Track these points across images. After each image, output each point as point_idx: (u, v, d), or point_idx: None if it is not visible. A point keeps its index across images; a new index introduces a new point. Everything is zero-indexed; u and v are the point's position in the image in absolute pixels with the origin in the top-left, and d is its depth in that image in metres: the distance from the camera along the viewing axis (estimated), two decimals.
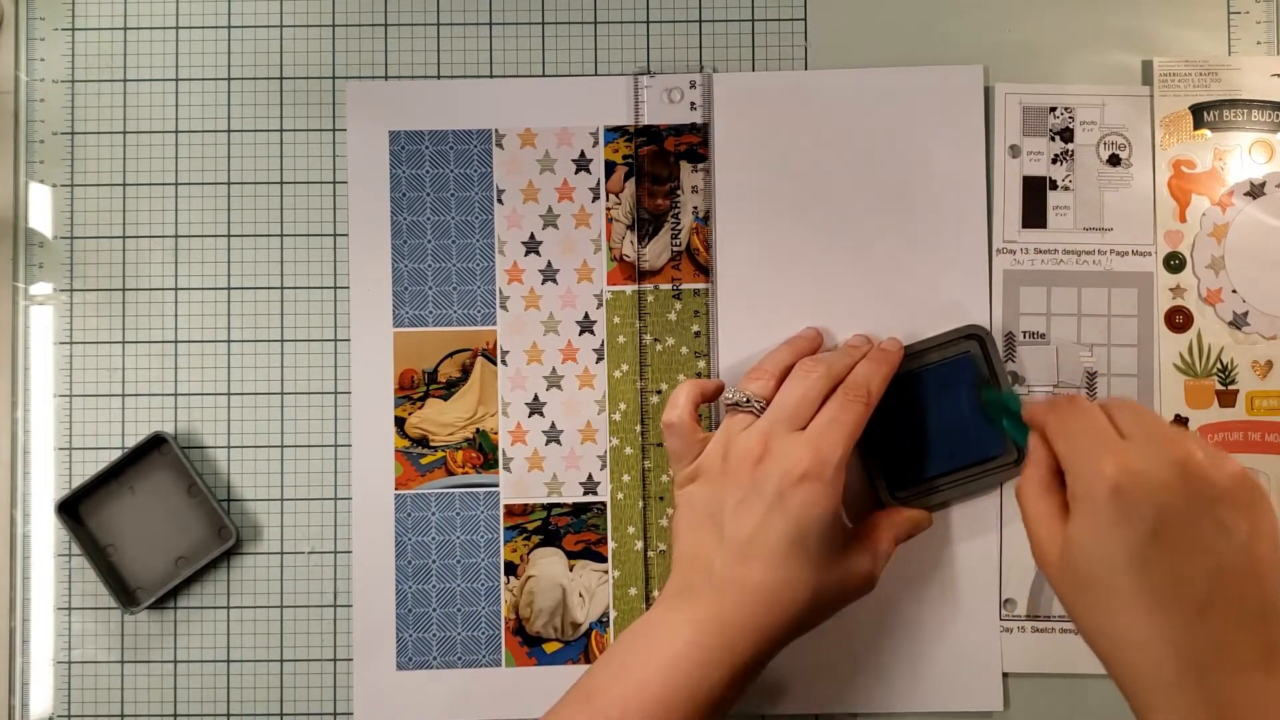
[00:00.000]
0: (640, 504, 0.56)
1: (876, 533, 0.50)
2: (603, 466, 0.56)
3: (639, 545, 0.56)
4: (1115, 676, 0.42)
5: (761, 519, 0.46)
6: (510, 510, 0.56)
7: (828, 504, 0.46)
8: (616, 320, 0.56)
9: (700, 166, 0.56)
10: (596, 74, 0.57)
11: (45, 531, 0.56)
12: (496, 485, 0.56)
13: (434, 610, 0.55)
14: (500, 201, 0.56)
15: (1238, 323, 0.55)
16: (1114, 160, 0.56)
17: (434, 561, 0.55)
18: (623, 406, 0.56)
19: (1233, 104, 0.55)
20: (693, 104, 0.56)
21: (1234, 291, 0.55)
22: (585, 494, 0.56)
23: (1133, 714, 0.41)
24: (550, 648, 0.55)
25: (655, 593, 0.55)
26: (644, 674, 0.44)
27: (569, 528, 0.56)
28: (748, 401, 0.49)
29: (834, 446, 0.47)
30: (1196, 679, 0.39)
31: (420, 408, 0.56)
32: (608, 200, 0.56)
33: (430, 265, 0.56)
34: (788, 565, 0.45)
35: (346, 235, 0.56)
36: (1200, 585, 0.40)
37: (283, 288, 0.56)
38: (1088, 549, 0.41)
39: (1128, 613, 0.40)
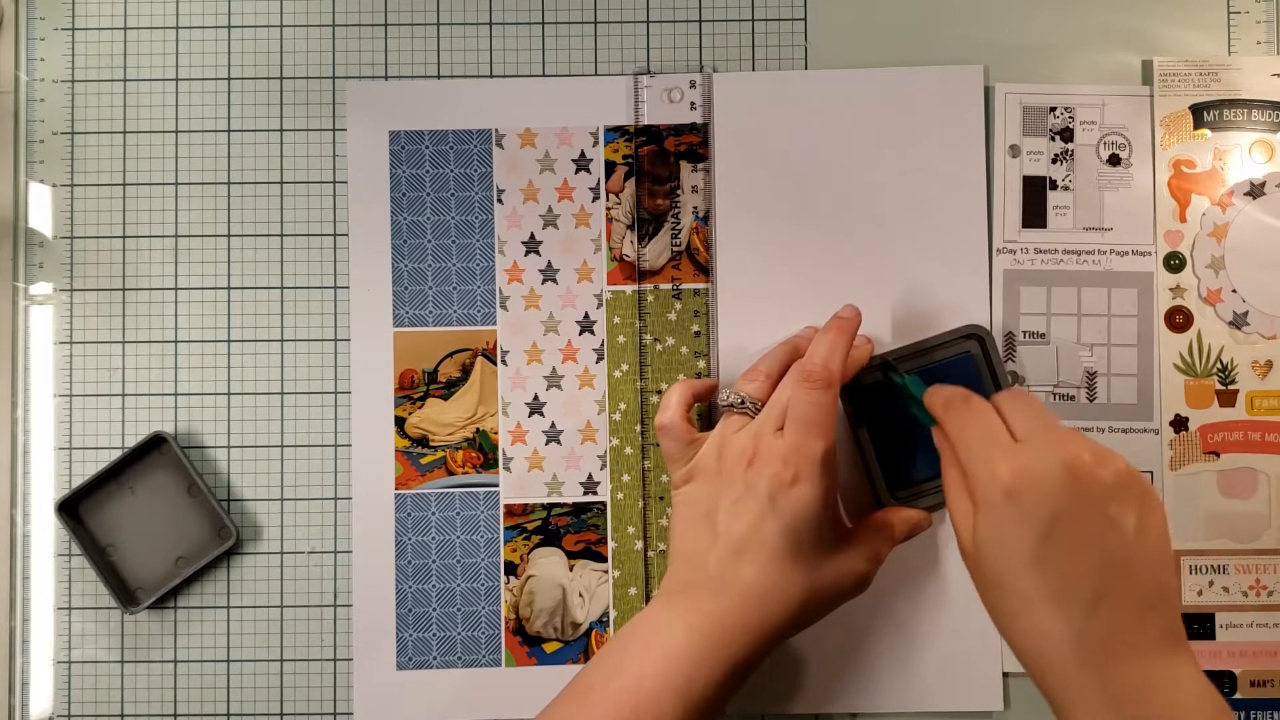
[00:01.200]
0: (640, 504, 0.56)
1: (874, 533, 0.50)
2: (603, 466, 0.56)
3: (639, 545, 0.56)
4: (1027, 668, 0.43)
5: (755, 520, 0.46)
6: (510, 510, 0.56)
7: (819, 503, 0.46)
8: (616, 320, 0.56)
9: (700, 166, 0.56)
10: (596, 74, 0.57)
11: (45, 531, 0.56)
12: (496, 485, 0.56)
13: (434, 610, 0.55)
14: (500, 201, 0.56)
15: (1238, 322, 0.55)
16: (1114, 160, 0.56)
17: (434, 561, 0.55)
18: (623, 406, 0.56)
19: (1233, 104, 0.55)
20: (693, 104, 0.56)
21: (1234, 291, 0.55)
22: (585, 494, 0.56)
23: (1048, 704, 0.43)
24: (550, 647, 0.55)
25: (655, 592, 0.55)
26: (640, 670, 0.44)
27: (569, 528, 0.56)
28: (742, 403, 0.49)
29: (812, 445, 0.47)
30: (1097, 666, 0.40)
31: (420, 408, 0.56)
32: (608, 200, 0.56)
33: (430, 265, 0.56)
34: (781, 566, 0.46)
35: (346, 235, 0.56)
36: (1093, 578, 0.41)
37: (283, 288, 0.56)
38: (990, 549, 0.42)
39: (1030, 608, 0.41)
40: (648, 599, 0.55)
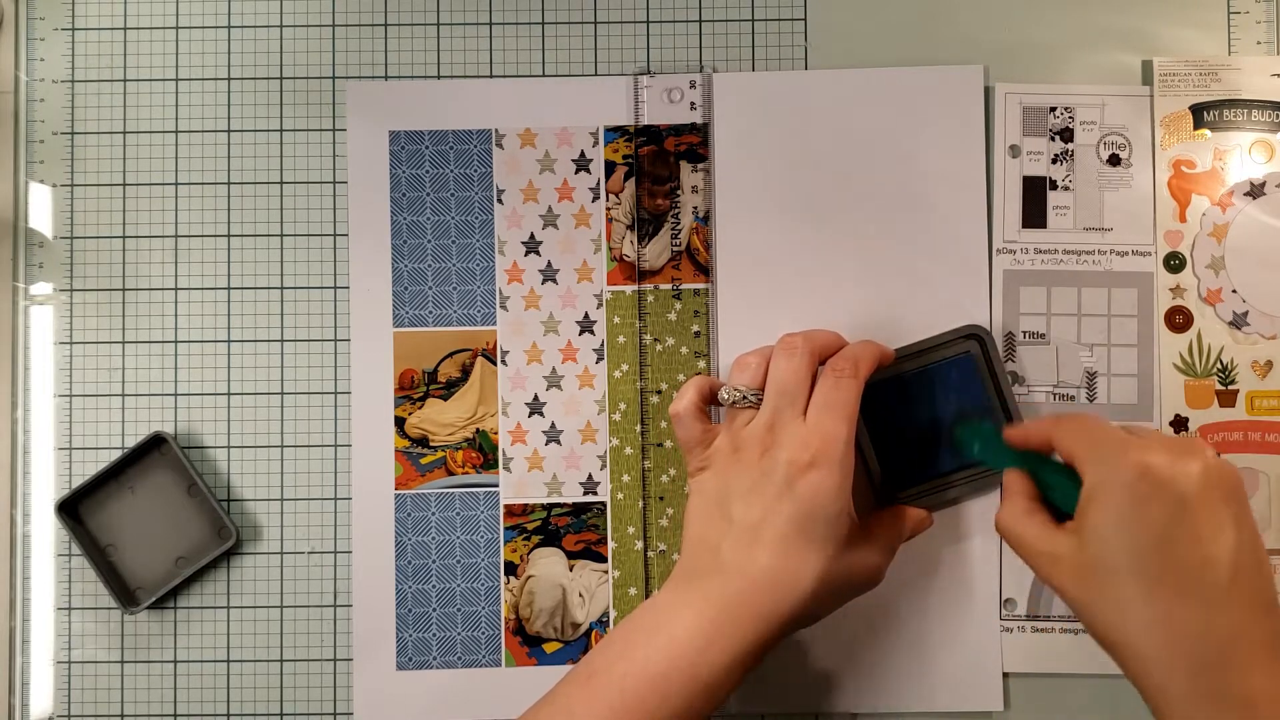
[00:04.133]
0: (640, 504, 0.56)
1: (885, 529, 0.50)
2: (603, 466, 0.56)
3: (639, 545, 0.56)
4: (1131, 671, 0.43)
5: (770, 505, 0.46)
6: (510, 510, 0.56)
7: (835, 490, 0.46)
8: (616, 320, 0.56)
9: (700, 166, 0.56)
10: (596, 74, 0.57)
11: (45, 531, 0.56)
12: (496, 485, 0.56)
13: (434, 610, 0.55)
14: (500, 201, 0.56)
15: (1238, 323, 0.55)
16: (1114, 160, 0.56)
17: (434, 561, 0.55)
18: (623, 406, 0.56)
19: (1233, 104, 0.55)
20: (693, 104, 0.56)
21: (1234, 291, 0.55)
22: (585, 494, 0.56)
23: (1150, 709, 0.43)
24: (550, 648, 0.55)
25: (657, 591, 0.55)
26: (646, 653, 0.44)
27: (569, 528, 0.56)
28: (743, 397, 0.49)
29: (835, 428, 0.47)
30: (1216, 668, 0.40)
31: (420, 408, 0.56)
32: (608, 200, 0.56)
33: (430, 265, 0.56)
34: (794, 551, 0.46)
35: (346, 235, 0.56)
36: (1221, 571, 0.41)
37: (283, 288, 0.56)
38: (1109, 538, 0.43)
39: (1149, 599, 0.42)
40: (648, 598, 0.55)
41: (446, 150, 0.56)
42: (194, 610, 0.56)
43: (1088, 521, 0.44)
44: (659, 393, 0.56)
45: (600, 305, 0.56)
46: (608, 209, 0.56)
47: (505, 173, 0.56)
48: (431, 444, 0.56)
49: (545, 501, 0.56)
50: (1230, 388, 0.55)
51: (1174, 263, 0.55)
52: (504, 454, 0.56)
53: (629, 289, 0.56)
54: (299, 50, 0.57)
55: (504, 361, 0.56)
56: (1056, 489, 0.48)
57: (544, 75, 0.57)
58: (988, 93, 0.56)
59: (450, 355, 0.56)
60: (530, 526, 0.56)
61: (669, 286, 0.56)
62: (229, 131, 0.57)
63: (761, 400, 0.49)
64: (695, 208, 0.56)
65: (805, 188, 0.56)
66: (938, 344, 0.54)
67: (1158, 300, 0.55)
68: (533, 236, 0.56)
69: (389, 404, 0.56)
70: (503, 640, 0.55)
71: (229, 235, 0.57)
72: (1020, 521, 0.47)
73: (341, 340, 0.56)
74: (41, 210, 0.57)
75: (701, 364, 0.56)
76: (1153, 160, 0.56)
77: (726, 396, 0.50)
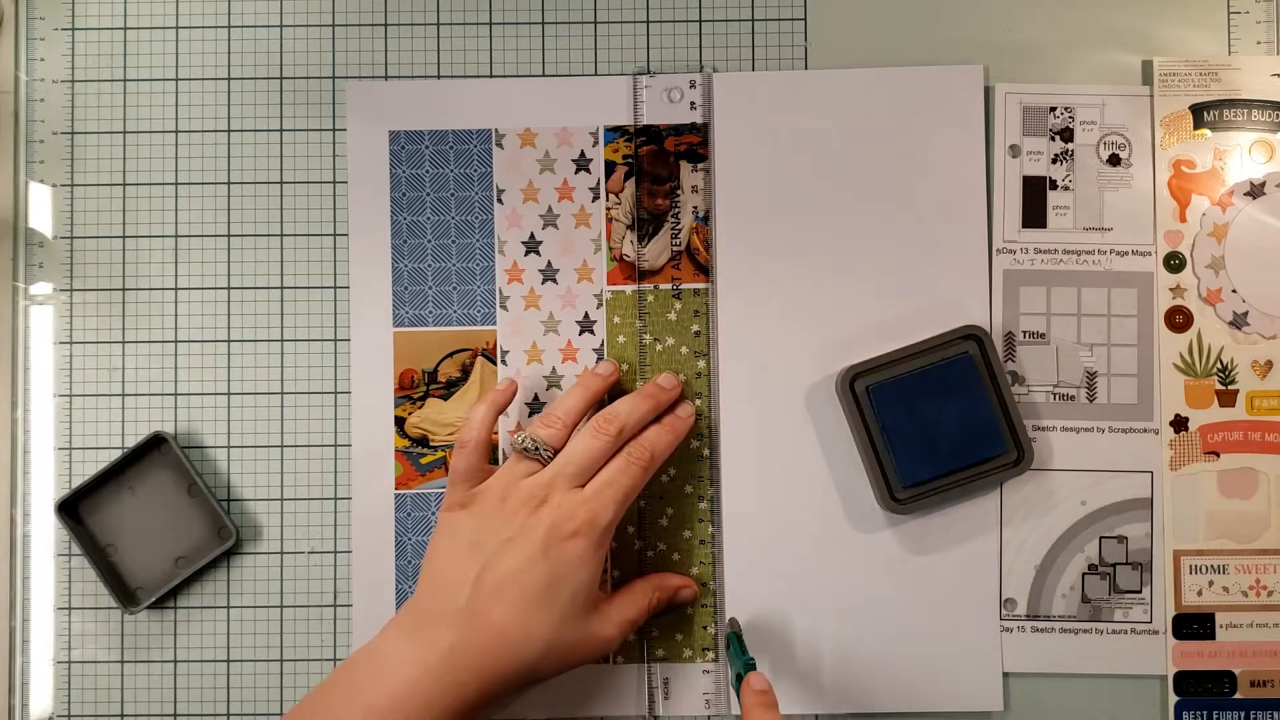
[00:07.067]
0: (640, 504, 0.55)
1: (628, 600, 0.51)
2: None
3: (638, 545, 0.55)
4: None
5: (524, 563, 0.47)
6: None
7: (590, 564, 0.47)
8: (616, 320, 0.56)
9: (700, 166, 0.56)
10: (596, 74, 0.57)
11: (45, 531, 0.56)
12: None
13: None
14: (500, 201, 0.56)
15: (1238, 323, 0.55)
16: (1114, 160, 0.56)
17: None
18: None
19: (1233, 104, 0.55)
20: (693, 104, 0.56)
21: (1234, 291, 0.55)
22: None
23: None
24: None
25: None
26: (368, 703, 0.45)
27: None
28: (536, 449, 0.50)
29: (606, 507, 0.48)
30: None
31: (420, 408, 0.56)
32: (608, 200, 0.56)
33: (430, 265, 0.56)
34: (532, 613, 0.46)
35: (346, 235, 0.56)
36: None
37: (283, 288, 0.56)
38: None
39: None
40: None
41: (446, 150, 0.56)
42: (194, 610, 0.56)
43: None
44: None
45: (600, 305, 0.56)
46: (608, 209, 0.56)
47: (505, 173, 0.56)
48: (431, 444, 0.56)
49: None
50: (1230, 388, 0.55)
51: (1174, 263, 0.55)
52: (504, 454, 0.56)
53: (629, 289, 0.56)
54: (299, 50, 0.57)
55: (504, 361, 0.56)
56: None
57: (544, 75, 0.57)
58: (988, 93, 0.56)
59: (450, 355, 0.56)
60: None
61: (669, 286, 0.56)
62: (229, 131, 0.57)
63: (550, 459, 0.49)
64: (695, 208, 0.56)
65: (805, 187, 0.56)
66: (937, 344, 0.54)
67: (1158, 300, 0.55)
68: (533, 236, 0.56)
69: (389, 404, 0.56)
70: None
71: (229, 235, 0.57)
72: None
73: (341, 340, 0.56)
74: (41, 210, 0.57)
75: (701, 364, 0.56)
76: (1153, 160, 0.56)
77: (520, 442, 0.50)
